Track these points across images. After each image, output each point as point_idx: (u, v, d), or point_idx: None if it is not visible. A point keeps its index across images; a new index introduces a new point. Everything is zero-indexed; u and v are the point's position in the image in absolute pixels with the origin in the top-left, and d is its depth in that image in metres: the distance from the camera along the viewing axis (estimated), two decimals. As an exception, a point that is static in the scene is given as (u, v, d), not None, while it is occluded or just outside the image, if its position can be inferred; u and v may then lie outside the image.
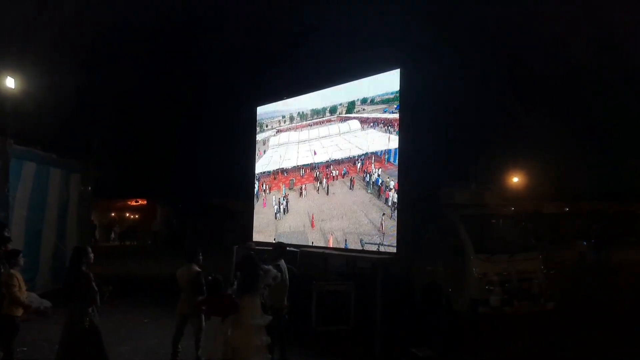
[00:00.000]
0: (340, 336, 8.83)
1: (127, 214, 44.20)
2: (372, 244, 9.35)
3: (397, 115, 9.04)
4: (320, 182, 10.67)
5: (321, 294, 9.21)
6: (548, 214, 35.75)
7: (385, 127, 9.32)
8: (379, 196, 9.38)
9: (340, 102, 10.23)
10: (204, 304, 6.89)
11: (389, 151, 9.25)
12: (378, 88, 9.47)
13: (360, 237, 9.55)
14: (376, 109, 9.41)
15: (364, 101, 9.63)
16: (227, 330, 6.37)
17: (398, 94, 9.07)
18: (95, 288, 5.64)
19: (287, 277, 7.50)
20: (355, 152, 9.96)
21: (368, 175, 9.70)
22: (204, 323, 7.02)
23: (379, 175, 9.41)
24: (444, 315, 9.03)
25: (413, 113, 9.40)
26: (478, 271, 9.13)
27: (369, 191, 9.63)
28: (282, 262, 7.59)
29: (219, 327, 6.56)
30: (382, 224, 9.21)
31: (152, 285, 14.68)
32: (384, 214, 9.20)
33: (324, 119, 10.68)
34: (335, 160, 10.43)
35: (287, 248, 8.74)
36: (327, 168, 10.52)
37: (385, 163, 9.26)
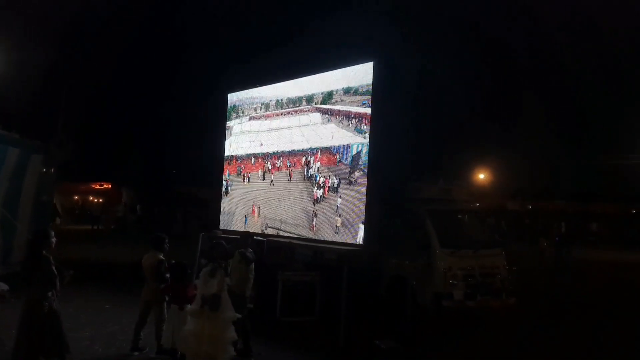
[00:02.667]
0: (305, 327, 8.84)
1: (91, 198, 43.35)
2: (273, 227, 10.52)
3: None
4: (266, 172, 11.10)
5: (287, 284, 9.20)
6: (512, 212, 36.52)
7: (350, 122, 9.38)
8: (310, 191, 9.93)
9: (320, 91, 10.17)
10: (167, 291, 6.82)
11: (339, 147, 9.52)
12: (362, 78, 9.38)
13: (277, 226, 10.44)
14: (355, 100, 9.37)
15: (347, 91, 9.57)
16: (185, 319, 6.30)
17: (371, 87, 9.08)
18: (55, 272, 5.50)
19: (253, 266, 7.45)
20: (304, 146, 10.23)
21: (307, 169, 10.07)
22: (165, 311, 6.95)
23: (316, 171, 9.83)
24: (409, 308, 9.11)
25: (386, 106, 9.40)
26: (443, 265, 9.23)
27: (304, 185, 10.13)
28: (251, 251, 7.54)
29: (175, 316, 6.51)
30: (312, 223, 9.81)
31: (114, 270, 14.42)
32: (314, 214, 9.76)
33: (293, 109, 10.68)
34: (284, 152, 10.74)
35: (255, 237, 8.70)
36: (278, 159, 10.83)
37: (338, 163, 9.53)
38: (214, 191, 12.84)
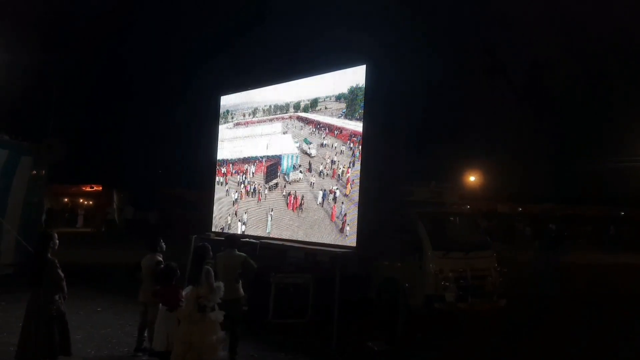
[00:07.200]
0: (297, 329, 8.85)
1: (81, 200, 43.05)
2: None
3: (340, 120, 9.21)
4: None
5: (279, 286, 9.19)
6: (502, 214, 36.69)
7: (315, 132, 9.57)
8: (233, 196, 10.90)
9: (308, 98, 10.12)
10: (159, 293, 6.80)
11: (281, 157, 10.08)
12: (349, 85, 9.33)
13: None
14: (337, 109, 9.38)
15: (338, 98, 9.53)
16: (171, 321, 6.27)
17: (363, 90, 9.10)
18: (61, 274, 5.60)
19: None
20: (251, 154, 10.86)
21: (243, 176, 10.76)
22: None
23: (251, 177, 10.54)
24: (400, 310, 9.14)
25: (378, 108, 9.43)
26: (434, 268, 9.25)
27: (231, 192, 10.95)
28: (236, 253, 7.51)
29: (166, 318, 6.50)
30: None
31: (105, 273, 14.38)
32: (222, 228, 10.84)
33: (272, 117, 10.74)
34: (236, 159, 11.27)
35: (244, 239, 8.69)
36: (230, 165, 11.41)
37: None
38: (205, 194, 12.79)
